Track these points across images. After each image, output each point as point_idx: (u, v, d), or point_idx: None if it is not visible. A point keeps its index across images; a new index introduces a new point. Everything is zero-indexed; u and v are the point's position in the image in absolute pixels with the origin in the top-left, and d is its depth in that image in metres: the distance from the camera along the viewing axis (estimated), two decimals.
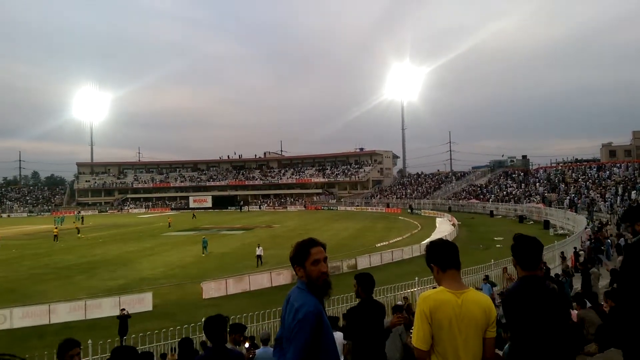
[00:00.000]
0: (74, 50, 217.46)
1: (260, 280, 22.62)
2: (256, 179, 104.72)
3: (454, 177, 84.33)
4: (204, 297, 20.64)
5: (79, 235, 48.53)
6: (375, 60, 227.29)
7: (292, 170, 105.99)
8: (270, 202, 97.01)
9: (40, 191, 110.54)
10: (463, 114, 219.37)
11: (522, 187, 61.80)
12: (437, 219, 52.81)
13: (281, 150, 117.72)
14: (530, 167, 77.19)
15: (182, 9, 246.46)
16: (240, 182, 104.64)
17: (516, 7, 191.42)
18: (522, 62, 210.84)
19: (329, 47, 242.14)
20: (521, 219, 47.49)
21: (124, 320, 15.20)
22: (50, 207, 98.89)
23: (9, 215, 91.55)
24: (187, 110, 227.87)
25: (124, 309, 15.82)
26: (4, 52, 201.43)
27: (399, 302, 12.54)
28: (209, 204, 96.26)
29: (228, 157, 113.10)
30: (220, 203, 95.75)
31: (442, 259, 2.89)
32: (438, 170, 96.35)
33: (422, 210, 67.11)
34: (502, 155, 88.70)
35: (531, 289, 2.90)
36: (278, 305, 14.93)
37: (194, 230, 51.77)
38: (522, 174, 68.46)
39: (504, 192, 62.82)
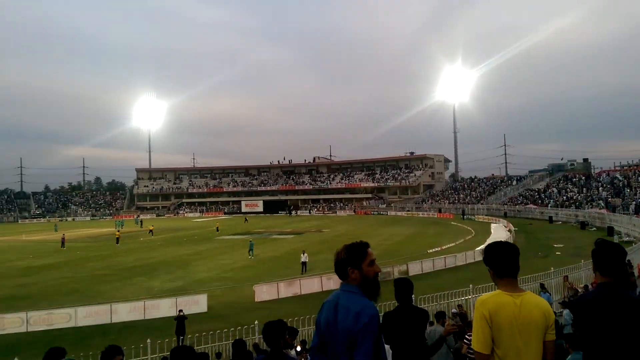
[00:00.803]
0: (134, 62, 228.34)
1: (310, 284, 22.74)
2: (306, 184, 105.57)
3: (509, 182, 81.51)
4: (256, 300, 20.98)
5: (151, 236, 51.65)
6: (425, 62, 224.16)
7: (341, 174, 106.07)
8: (319, 207, 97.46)
9: (103, 196, 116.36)
10: (518, 116, 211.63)
11: (584, 191, 58.81)
12: (492, 225, 51.17)
13: (330, 155, 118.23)
14: (592, 170, 73.44)
15: (233, 19, 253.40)
16: (290, 186, 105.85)
17: (572, 4, 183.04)
18: (579, 61, 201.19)
19: (377, 50, 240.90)
20: (583, 225, 45.21)
21: (181, 321, 15.67)
22: (111, 211, 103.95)
23: (73, 219, 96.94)
24: (239, 117, 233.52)
25: (181, 310, 16.33)
26: (70, 64, 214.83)
27: (453, 310, 12.28)
28: (260, 209, 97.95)
29: (278, 162, 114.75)
30: (271, 207, 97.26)
31: (499, 265, 2.84)
32: (492, 174, 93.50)
33: (476, 216, 65.30)
34: (561, 159, 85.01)
35: (609, 297, 2.73)
36: None
37: (246, 234, 52.79)
38: (583, 177, 65.15)
39: (564, 197, 60.04)
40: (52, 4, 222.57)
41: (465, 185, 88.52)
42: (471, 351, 4.29)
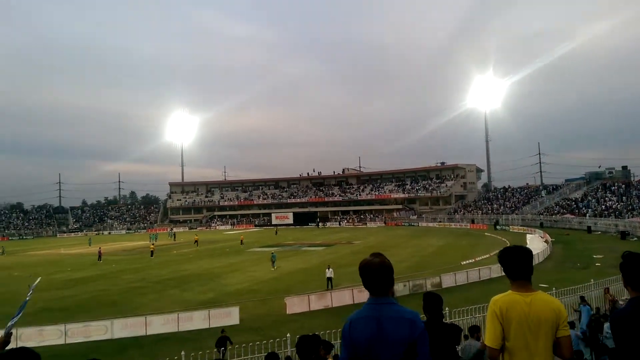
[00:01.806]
0: (169, 79, 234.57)
1: (342, 297, 22.56)
2: (335, 196, 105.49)
3: (545, 191, 79.36)
4: (287, 312, 20.95)
5: (197, 246, 52.65)
6: (455, 71, 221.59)
7: (371, 186, 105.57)
8: (349, 219, 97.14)
9: (137, 210, 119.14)
10: (553, 123, 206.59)
11: (623, 200, 56.76)
12: (528, 236, 49.87)
13: (360, 166, 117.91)
14: (632, 178, 70.85)
15: (262, 34, 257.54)
16: (319, 198, 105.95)
17: (611, 8, 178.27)
18: (615, 66, 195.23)
19: (406, 59, 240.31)
20: (623, 235, 43.52)
21: (223, 342, 14.94)
22: (145, 224, 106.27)
23: (109, 233, 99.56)
24: (269, 129, 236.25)
25: (223, 331, 15.64)
26: (106, 82, 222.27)
27: None
28: (290, 221, 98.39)
29: (308, 175, 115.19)
30: (300, 219, 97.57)
31: (512, 269, 3.01)
32: (527, 183, 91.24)
33: (511, 227, 63.76)
34: (599, 167, 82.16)
35: None
36: None
37: (277, 246, 52.98)
38: (623, 186, 62.89)
39: (603, 206, 58.04)
40: (88, 24, 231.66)
41: (499, 195, 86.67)
42: None
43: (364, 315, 2.68)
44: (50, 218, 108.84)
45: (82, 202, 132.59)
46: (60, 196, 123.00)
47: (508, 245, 3.25)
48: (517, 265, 2.99)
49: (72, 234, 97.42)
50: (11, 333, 3.65)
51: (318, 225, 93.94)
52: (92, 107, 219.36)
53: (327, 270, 26.61)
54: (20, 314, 3.87)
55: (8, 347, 3.48)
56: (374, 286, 2.69)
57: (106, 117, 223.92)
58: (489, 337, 2.91)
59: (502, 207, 79.21)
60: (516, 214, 71.99)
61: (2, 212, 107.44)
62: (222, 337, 15.05)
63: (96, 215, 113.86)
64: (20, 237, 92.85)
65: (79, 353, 15.94)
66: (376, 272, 2.67)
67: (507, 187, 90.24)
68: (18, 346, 2.69)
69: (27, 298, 3.94)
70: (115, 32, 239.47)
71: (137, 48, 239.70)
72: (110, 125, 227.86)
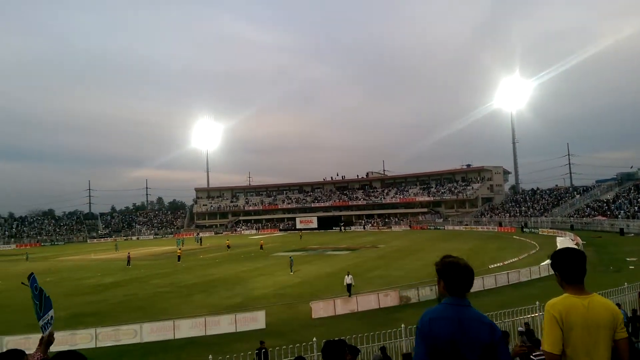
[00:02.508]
0: (194, 86, 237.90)
1: (367, 301, 22.44)
2: (359, 199, 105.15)
3: (575, 193, 77.45)
4: (313, 316, 20.93)
5: (229, 250, 52.99)
6: (479, 71, 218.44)
7: (395, 189, 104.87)
8: (374, 222, 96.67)
9: (164, 215, 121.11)
10: (582, 123, 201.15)
11: None
12: (558, 238, 48.64)
13: (384, 170, 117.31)
14: None
15: (283, 40, 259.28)
16: (343, 202, 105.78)
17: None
18: None
19: (429, 61, 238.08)
20: None
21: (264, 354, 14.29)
22: (172, 229, 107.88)
23: (137, 238, 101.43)
24: (292, 134, 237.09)
25: (262, 342, 14.90)
26: (134, 90, 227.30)
27: (520, 328, 11.68)
28: (315, 225, 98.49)
29: (331, 179, 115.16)
30: (325, 223, 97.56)
31: (568, 271, 2.93)
32: (556, 185, 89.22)
33: (540, 229, 62.42)
34: (631, 167, 79.58)
35: None
36: (386, 327, 14.67)
37: (301, 250, 53.10)
38: None
39: (636, 207, 56.23)
40: (114, 33, 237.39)
41: (527, 198, 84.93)
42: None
43: (445, 314, 2.67)
44: (81, 224, 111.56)
45: (111, 208, 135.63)
46: (90, 202, 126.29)
47: (559, 248, 3.18)
48: (574, 267, 2.93)
49: (102, 239, 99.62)
50: (52, 332, 3.71)
51: (341, 229, 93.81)
52: (120, 115, 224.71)
53: (346, 277, 25.37)
54: (50, 312, 3.85)
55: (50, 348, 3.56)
56: (459, 286, 2.71)
57: (133, 125, 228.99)
58: (549, 343, 2.81)
59: (530, 210, 77.60)
60: (545, 217, 70.42)
61: (34, 219, 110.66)
62: (260, 349, 14.37)
63: (125, 220, 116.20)
64: (52, 242, 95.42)
65: (109, 357, 16.25)
66: (463, 272, 2.70)
67: (535, 189, 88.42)
68: (66, 350, 2.77)
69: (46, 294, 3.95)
70: (139, 41, 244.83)
71: (161, 56, 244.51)
72: (138, 132, 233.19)
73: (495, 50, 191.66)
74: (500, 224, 73.24)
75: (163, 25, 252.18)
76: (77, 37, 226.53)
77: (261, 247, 56.15)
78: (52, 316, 3.78)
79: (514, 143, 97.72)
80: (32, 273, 3.76)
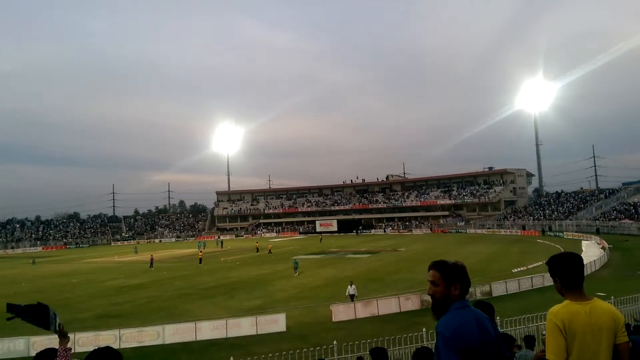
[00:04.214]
0: (215, 91, 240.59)
1: (388, 305, 22.27)
2: (379, 202, 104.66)
3: (601, 195, 75.71)
4: (333, 320, 20.87)
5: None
6: (502, 73, 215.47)
7: (416, 192, 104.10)
8: (394, 226, 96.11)
9: (186, 218, 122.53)
10: (608, 125, 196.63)
11: None
12: (583, 242, 47.63)
13: (404, 173, 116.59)
14: None
15: (304, 43, 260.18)
16: (363, 205, 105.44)
17: None
18: None
19: (450, 63, 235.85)
20: None
21: None
22: (194, 232, 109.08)
23: (160, 240, 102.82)
24: (312, 137, 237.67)
25: None
26: (157, 95, 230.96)
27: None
28: (334, 228, 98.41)
29: (351, 182, 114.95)
30: (345, 227, 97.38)
31: (568, 277, 2.89)
32: (581, 188, 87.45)
33: (565, 233, 61.17)
34: None
35: None
36: (408, 331, 14.55)
37: (322, 253, 53.10)
38: None
39: None
40: (139, 40, 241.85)
41: (551, 201, 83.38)
42: None
43: (467, 319, 2.66)
44: (105, 227, 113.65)
45: (134, 211, 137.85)
46: (114, 206, 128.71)
47: (560, 252, 3.12)
48: (574, 272, 2.88)
49: (125, 242, 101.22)
50: (60, 326, 3.75)
51: (357, 232, 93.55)
52: (145, 120, 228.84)
53: (349, 287, 24.11)
54: (50, 312, 3.88)
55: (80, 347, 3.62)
56: (467, 289, 2.81)
57: (157, 130, 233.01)
58: (553, 352, 2.76)
59: (555, 213, 76.15)
60: (570, 220, 69.00)
61: (60, 222, 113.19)
62: None
63: (147, 223, 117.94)
64: (77, 245, 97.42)
65: (132, 358, 16.47)
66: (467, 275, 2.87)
67: (559, 191, 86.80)
68: (103, 346, 2.84)
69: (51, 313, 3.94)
70: (164, 48, 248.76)
71: (184, 62, 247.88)
72: (161, 137, 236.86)
73: (519, 51, 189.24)
74: (523, 228, 72.03)
75: (187, 32, 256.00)
76: (104, 44, 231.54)
77: (269, 251, 55.07)
78: (54, 313, 3.82)
79: (537, 145, 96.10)
80: (7, 304, 3.73)
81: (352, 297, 23.69)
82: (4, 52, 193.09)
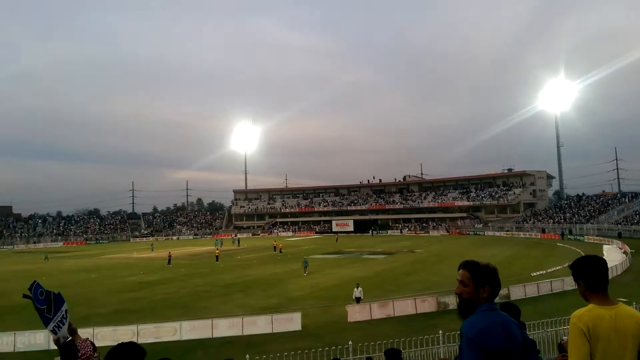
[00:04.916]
0: (233, 90, 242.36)
1: (404, 307, 22.15)
2: (396, 203, 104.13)
3: (623, 199, 74.15)
4: (349, 320, 20.84)
5: (279, 253, 53.04)
6: (521, 73, 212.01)
7: (433, 193, 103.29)
8: (411, 227, 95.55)
9: (204, 216, 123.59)
10: (631, 127, 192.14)
11: None
12: (605, 246, 46.77)
13: (421, 173, 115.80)
14: None
15: (321, 43, 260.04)
16: (380, 206, 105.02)
17: None
18: None
19: (468, 63, 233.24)
20: None
21: None
22: (211, 230, 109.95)
23: (178, 238, 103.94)
24: (328, 137, 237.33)
25: None
26: (176, 94, 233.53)
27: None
28: (351, 228, 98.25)
29: (368, 182, 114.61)
30: (361, 227, 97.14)
31: (592, 279, 2.83)
32: (603, 191, 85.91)
33: (585, 237, 60.09)
34: None
35: None
36: (423, 333, 14.44)
37: (338, 253, 53.07)
38: None
39: None
40: (160, 40, 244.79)
41: (572, 204, 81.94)
42: None
43: (493, 322, 2.61)
44: (124, 223, 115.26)
45: (153, 208, 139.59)
46: (133, 203, 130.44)
47: (584, 255, 3.06)
48: (599, 275, 2.82)
49: (144, 238, 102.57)
50: (70, 323, 3.80)
51: (372, 233, 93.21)
52: (164, 119, 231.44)
53: (355, 289, 23.80)
54: (62, 307, 3.90)
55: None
56: (497, 291, 2.75)
57: (176, 128, 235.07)
58: (576, 357, 2.70)
59: (575, 216, 74.83)
60: (591, 223, 67.73)
61: (81, 218, 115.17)
62: None
63: (166, 220, 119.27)
64: (97, 241, 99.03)
65: (150, 353, 16.63)
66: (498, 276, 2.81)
67: (580, 194, 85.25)
68: (127, 341, 2.90)
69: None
70: (184, 47, 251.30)
71: (203, 61, 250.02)
72: (180, 135, 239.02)
73: (540, 51, 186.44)
74: (543, 231, 70.96)
75: (206, 33, 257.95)
76: (125, 43, 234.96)
77: (280, 251, 54.72)
78: (66, 309, 3.84)
79: (558, 147, 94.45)
80: (35, 281, 3.80)
81: (357, 299, 23.49)
82: (29, 52, 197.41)
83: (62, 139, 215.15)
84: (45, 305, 3.68)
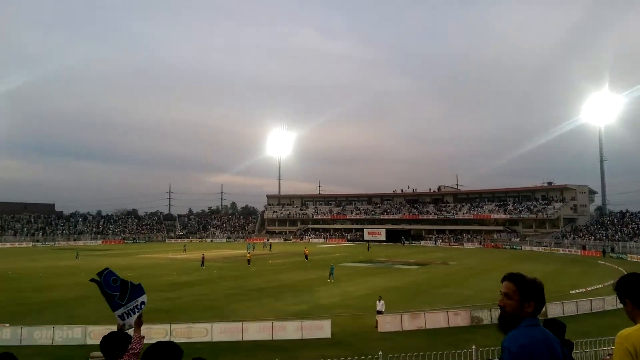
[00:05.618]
0: (269, 97, 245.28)
1: (436, 319, 21.76)
2: (430, 213, 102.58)
3: None
4: (379, 330, 20.62)
5: (306, 260, 53.25)
6: (562, 85, 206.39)
7: (468, 205, 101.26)
8: (445, 238, 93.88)
9: (237, 219, 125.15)
10: None
11: None
12: None
13: (457, 184, 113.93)
14: None
15: (357, 51, 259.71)
16: (413, 216, 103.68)
17: None
18: None
19: (507, 74, 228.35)
20: None
21: None
22: (244, 234, 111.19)
23: (211, 240, 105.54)
24: (362, 145, 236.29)
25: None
26: (215, 100, 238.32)
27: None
28: (383, 237, 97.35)
29: (402, 191, 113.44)
30: (393, 236, 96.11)
31: None
32: None
33: (629, 255, 57.62)
34: None
35: None
36: (456, 347, 14.13)
37: (369, 262, 52.67)
38: None
39: None
40: (199, 47, 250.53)
41: (615, 220, 78.72)
42: None
43: (536, 338, 2.54)
44: (160, 224, 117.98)
45: (188, 210, 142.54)
46: (169, 204, 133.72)
47: (630, 272, 2.91)
48: None
49: (179, 240, 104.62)
50: (141, 314, 3.90)
51: (403, 243, 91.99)
52: (202, 123, 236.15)
53: (377, 302, 22.71)
54: (140, 298, 4.04)
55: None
56: (542, 306, 2.70)
57: (213, 133, 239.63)
58: None
59: (618, 233, 71.84)
60: (635, 242, 64.85)
61: (119, 218, 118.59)
62: None
63: (200, 223, 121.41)
64: (134, 240, 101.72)
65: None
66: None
67: (624, 211, 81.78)
68: (166, 340, 2.97)
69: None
70: (223, 56, 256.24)
71: (241, 68, 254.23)
72: (216, 140, 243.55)
73: (584, 62, 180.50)
74: (583, 247, 68.43)
75: (243, 40, 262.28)
76: (166, 51, 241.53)
77: (305, 257, 54.48)
78: (143, 301, 3.99)
79: (601, 161, 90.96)
80: (107, 268, 4.00)
81: (379, 313, 22.61)
82: (75, 57, 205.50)
83: (104, 143, 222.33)
84: (119, 292, 3.83)
